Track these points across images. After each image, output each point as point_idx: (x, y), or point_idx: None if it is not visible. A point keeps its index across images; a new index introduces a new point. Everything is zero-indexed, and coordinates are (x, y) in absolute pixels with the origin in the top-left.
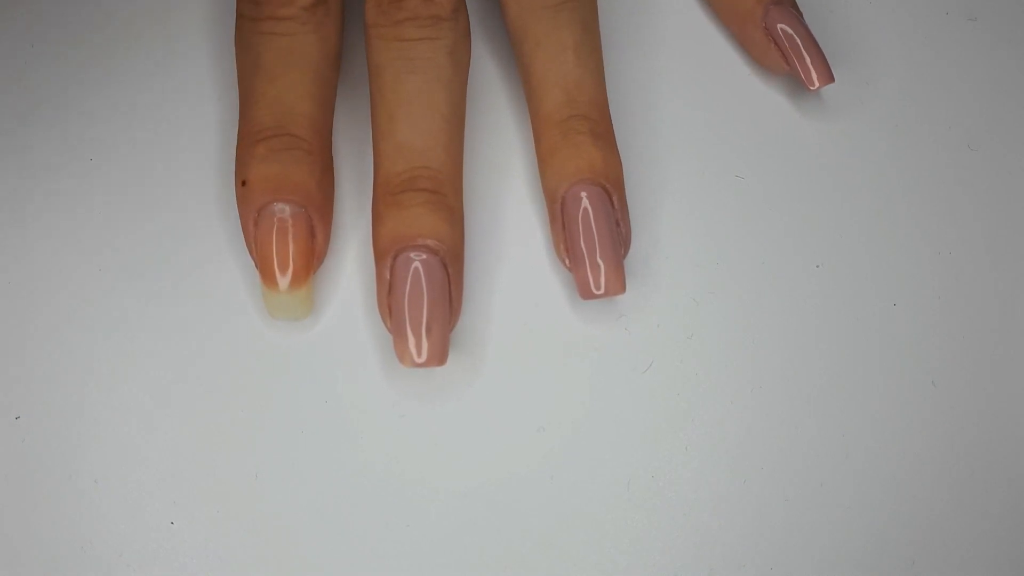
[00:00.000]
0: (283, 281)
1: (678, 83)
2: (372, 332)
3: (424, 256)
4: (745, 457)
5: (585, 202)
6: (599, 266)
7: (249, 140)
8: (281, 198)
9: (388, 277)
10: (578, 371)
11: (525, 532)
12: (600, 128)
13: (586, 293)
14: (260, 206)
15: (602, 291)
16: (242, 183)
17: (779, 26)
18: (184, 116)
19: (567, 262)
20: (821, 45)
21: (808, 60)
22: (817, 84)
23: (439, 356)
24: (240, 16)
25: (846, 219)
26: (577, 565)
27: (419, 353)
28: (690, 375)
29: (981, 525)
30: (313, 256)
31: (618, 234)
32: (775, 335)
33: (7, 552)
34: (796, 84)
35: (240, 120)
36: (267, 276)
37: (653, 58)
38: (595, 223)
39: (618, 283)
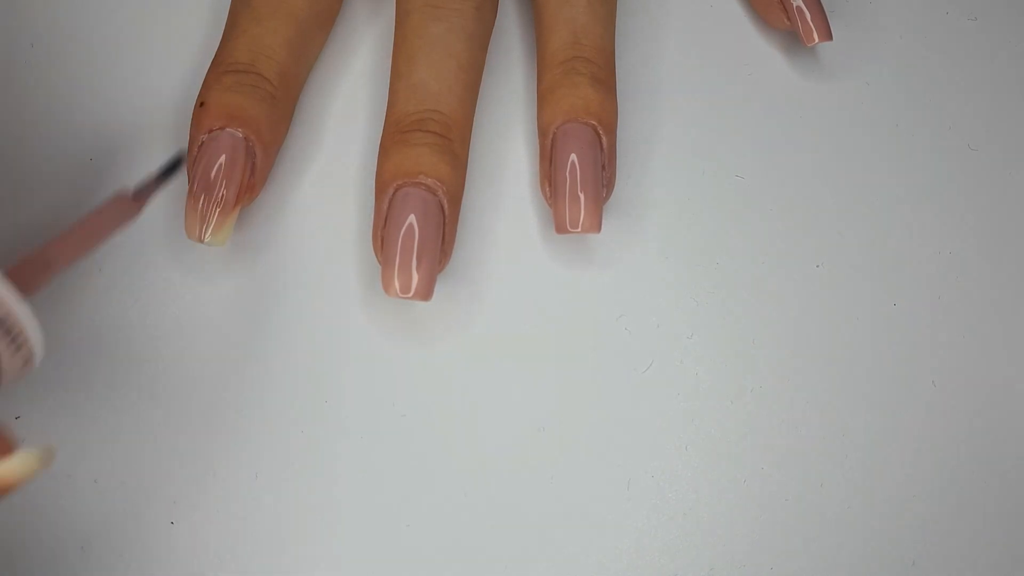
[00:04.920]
0: (210, 207)
1: (678, 84)
2: (373, 332)
3: (423, 193)
4: (745, 457)
5: (574, 139)
6: (578, 201)
7: (220, 69)
8: (232, 125)
9: (386, 209)
10: (578, 371)
11: (525, 532)
12: (602, 74)
13: (561, 228)
14: (210, 129)
15: (578, 227)
16: (200, 104)
17: None
18: (184, 117)
19: (548, 196)
20: (820, 47)
21: (808, 16)
22: (816, 39)
23: (424, 291)
24: None
25: (846, 219)
26: (577, 565)
27: (404, 285)
28: (690, 375)
29: (981, 525)
30: (245, 190)
31: (602, 176)
32: (775, 335)
33: (7, 552)
34: (796, 84)
35: (218, 48)
36: (197, 195)
37: (654, 58)
38: (580, 160)
39: (594, 221)
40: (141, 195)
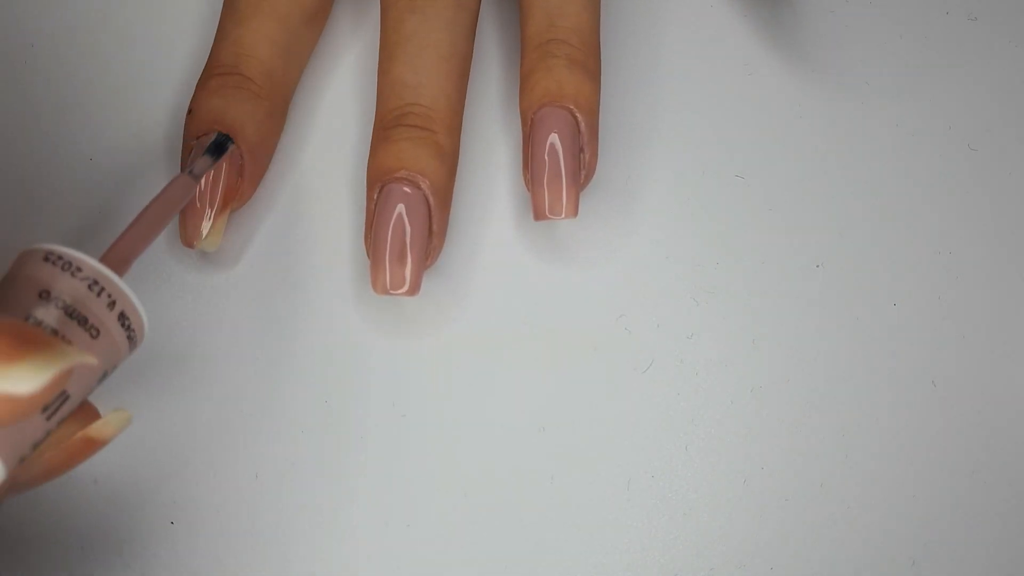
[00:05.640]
0: (201, 211)
1: (678, 83)
2: (373, 332)
3: (407, 188)
4: (745, 457)
5: (549, 123)
6: (555, 186)
7: (207, 74)
8: (217, 129)
9: (373, 208)
10: (578, 371)
11: (525, 532)
12: (578, 55)
13: (540, 214)
14: (197, 135)
15: (553, 213)
16: (189, 111)
17: None
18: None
19: (528, 182)
20: (819, 47)
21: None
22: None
23: (411, 287)
24: None
25: (846, 219)
26: (577, 565)
27: (391, 282)
28: (690, 375)
29: (981, 525)
30: (232, 192)
31: (580, 159)
32: (775, 335)
33: (7, 552)
34: (796, 83)
35: (209, 55)
36: (188, 203)
37: (653, 58)
38: (555, 145)
39: (571, 206)
40: (197, 174)
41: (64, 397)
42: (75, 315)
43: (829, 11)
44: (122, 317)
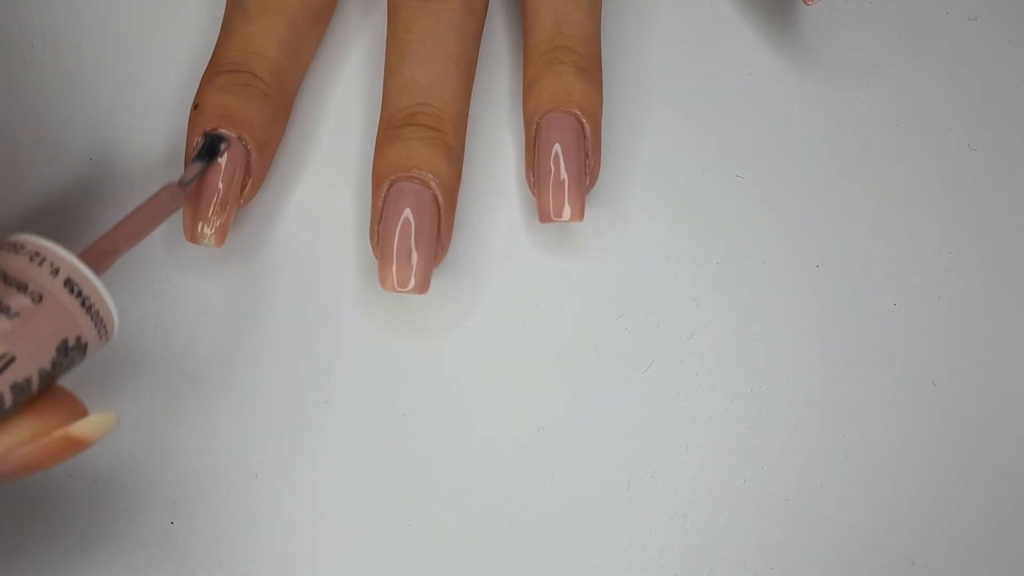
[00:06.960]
0: (206, 208)
1: (678, 83)
2: (373, 331)
3: (417, 187)
4: (745, 457)
5: (557, 128)
6: (561, 190)
7: (213, 70)
8: (225, 125)
9: (381, 205)
10: (578, 371)
11: (525, 532)
12: (584, 63)
13: (545, 217)
14: (204, 130)
15: (560, 216)
16: (195, 106)
17: None
18: (184, 116)
19: (532, 185)
20: (819, 47)
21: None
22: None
23: (420, 285)
24: None
25: (846, 219)
26: (577, 565)
27: (400, 279)
28: (690, 375)
29: (981, 525)
30: (240, 189)
31: (585, 164)
32: (775, 335)
33: (7, 552)
34: (796, 83)
35: (213, 52)
36: (191, 199)
37: (653, 58)
38: (563, 149)
39: (576, 210)
40: (186, 182)
41: (8, 359)
42: (13, 282)
43: (829, 11)
44: (69, 283)
